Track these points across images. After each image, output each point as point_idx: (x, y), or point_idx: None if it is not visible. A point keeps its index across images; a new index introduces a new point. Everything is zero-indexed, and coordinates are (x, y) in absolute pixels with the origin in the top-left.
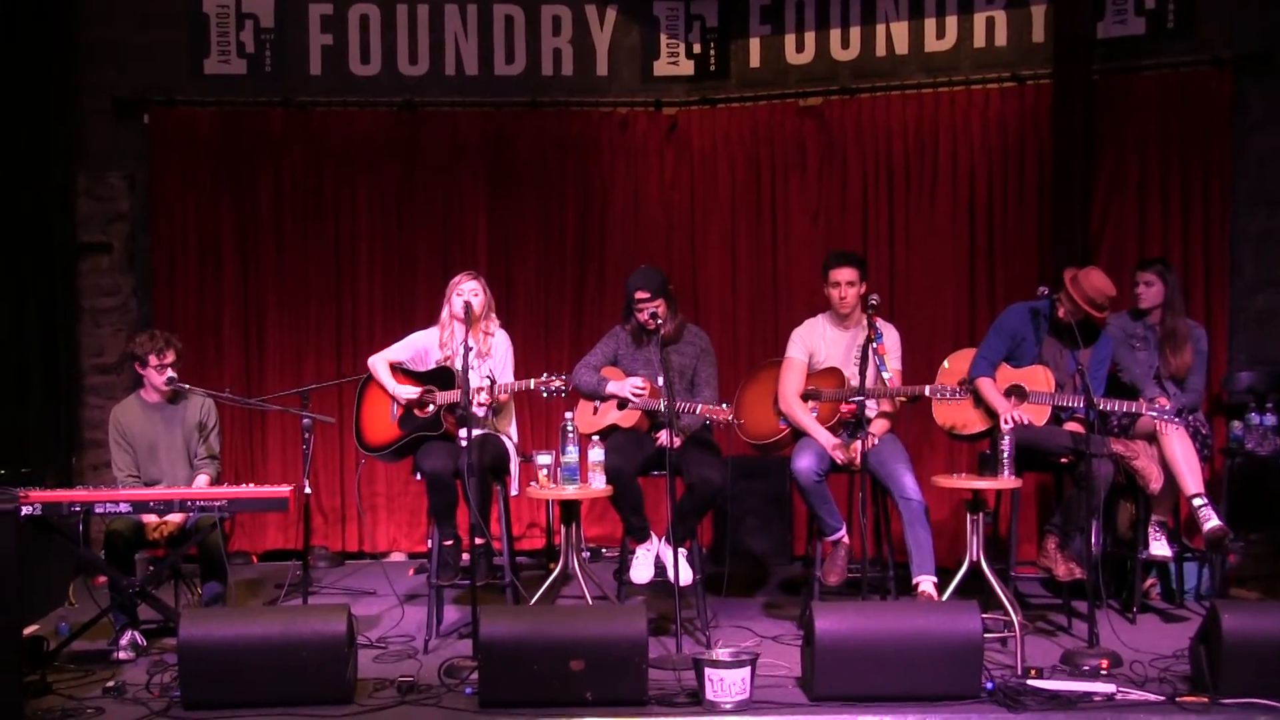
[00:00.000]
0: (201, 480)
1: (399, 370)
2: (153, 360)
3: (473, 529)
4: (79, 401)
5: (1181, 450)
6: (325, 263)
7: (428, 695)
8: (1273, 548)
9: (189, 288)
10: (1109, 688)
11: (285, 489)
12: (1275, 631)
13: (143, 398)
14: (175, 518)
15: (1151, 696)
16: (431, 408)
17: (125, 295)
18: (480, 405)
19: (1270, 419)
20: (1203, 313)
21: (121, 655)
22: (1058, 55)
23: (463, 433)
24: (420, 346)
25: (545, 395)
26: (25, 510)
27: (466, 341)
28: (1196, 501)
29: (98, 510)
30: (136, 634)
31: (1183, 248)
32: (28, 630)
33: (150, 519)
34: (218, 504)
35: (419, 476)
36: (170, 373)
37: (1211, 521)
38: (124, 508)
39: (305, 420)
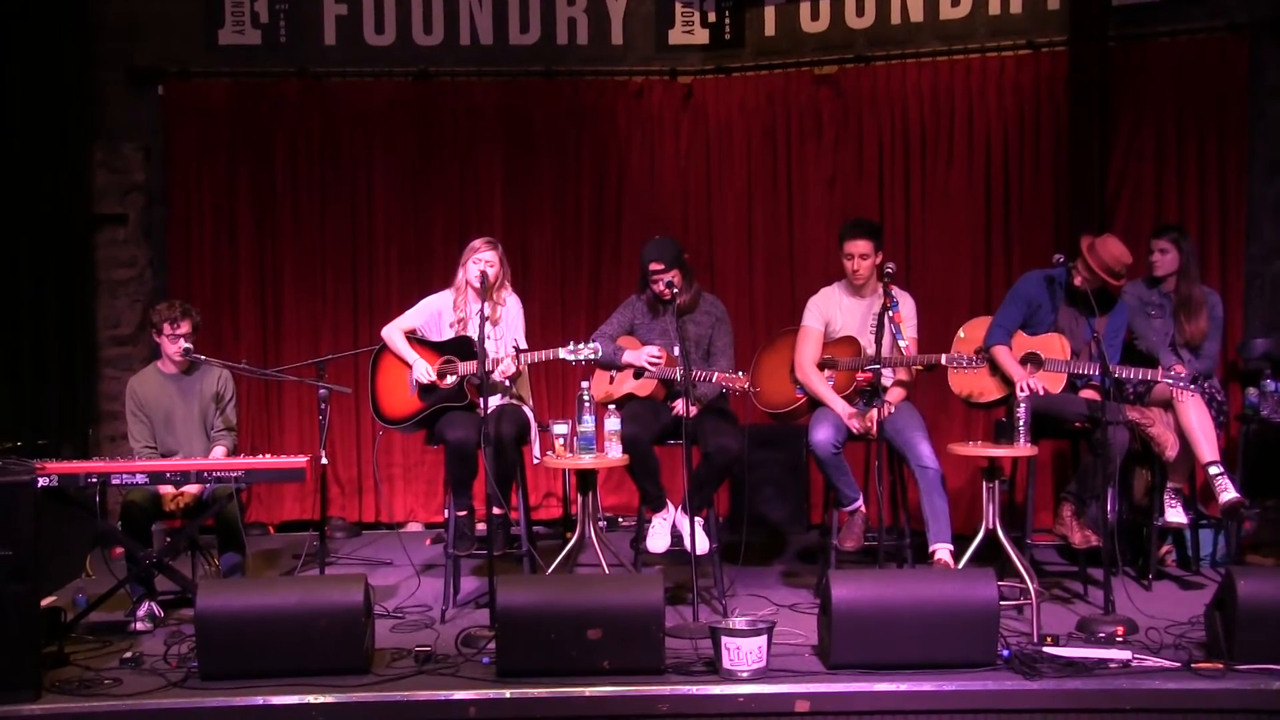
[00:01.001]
0: (218, 452)
1: (415, 340)
2: (167, 329)
3: (489, 499)
4: (95, 373)
5: (1197, 417)
6: (341, 234)
7: (445, 665)
8: None
9: (205, 259)
10: (1125, 654)
11: (302, 459)
12: None
13: (160, 369)
14: (192, 489)
15: (1167, 663)
16: (452, 378)
17: (141, 267)
18: (504, 375)
19: None
20: (1218, 279)
21: (139, 626)
22: (1073, 23)
23: (482, 402)
24: (433, 310)
25: (574, 363)
26: (42, 482)
27: (482, 311)
28: (1212, 469)
29: (114, 481)
30: (154, 605)
31: (1199, 214)
32: (45, 601)
33: (167, 490)
34: (234, 475)
35: (437, 446)
36: (185, 343)
37: (1228, 493)
38: (140, 479)
39: (321, 391)
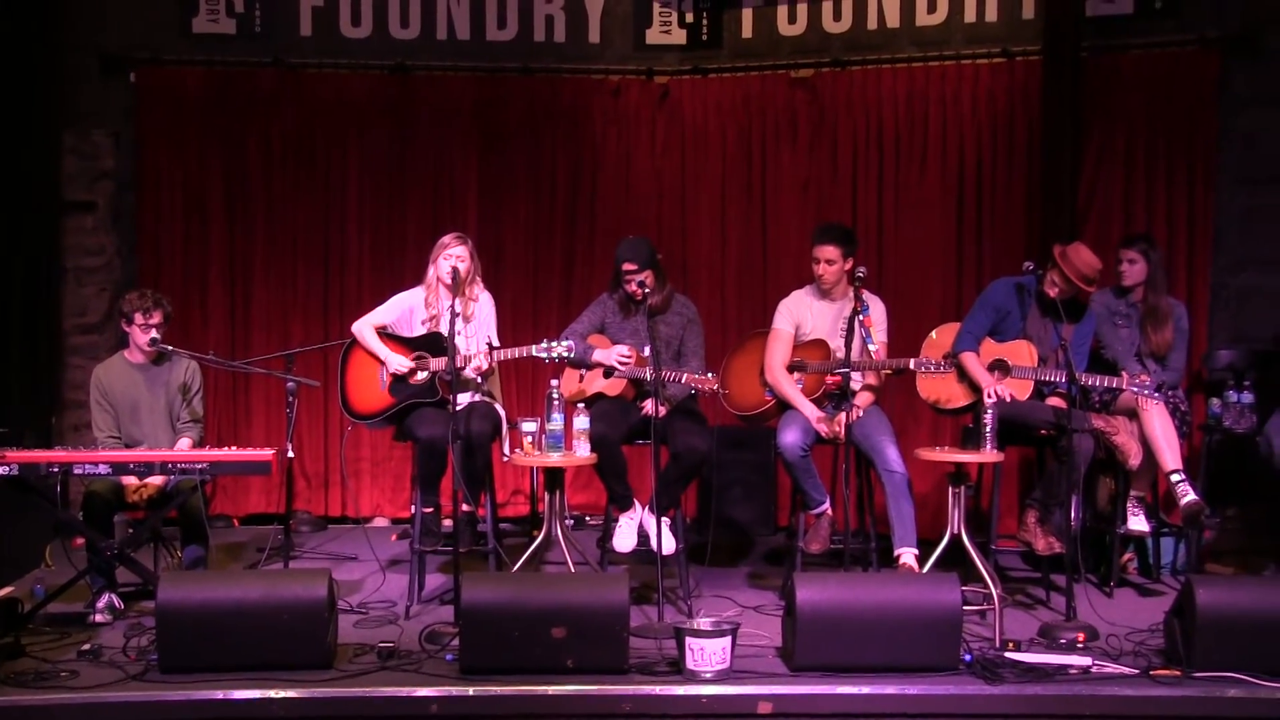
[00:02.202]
0: (184, 443)
1: (386, 336)
2: (139, 319)
3: (455, 495)
4: (60, 361)
5: (1161, 426)
6: (314, 225)
7: (408, 661)
8: (1248, 523)
9: (174, 248)
10: (1085, 661)
11: (268, 452)
12: (1248, 606)
13: (127, 358)
14: (155, 480)
15: (1126, 669)
16: (423, 374)
17: (109, 255)
18: (476, 371)
19: (1248, 397)
20: (1185, 290)
21: (98, 618)
22: (1047, 32)
23: (453, 398)
24: (405, 307)
25: (547, 360)
26: (2, 470)
27: (454, 307)
28: (1174, 477)
29: (76, 471)
30: (114, 597)
31: (1167, 225)
32: (2, 592)
33: (130, 481)
34: (199, 467)
35: (406, 443)
36: (154, 333)
37: (1189, 496)
38: (103, 469)
39: (290, 384)
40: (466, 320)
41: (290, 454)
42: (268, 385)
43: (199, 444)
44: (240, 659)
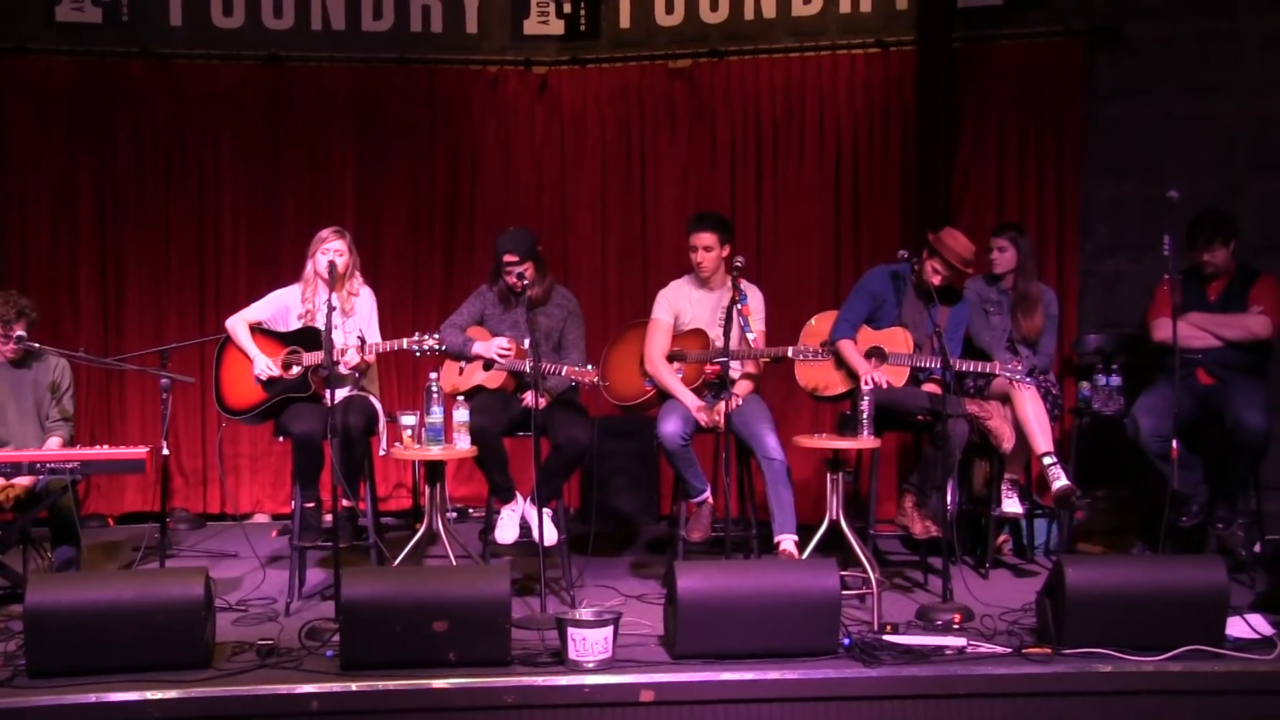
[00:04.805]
0: (53, 442)
1: (260, 331)
2: None
3: (334, 490)
4: None
5: (1033, 410)
6: (188, 218)
7: (288, 658)
8: (1117, 503)
9: (42, 242)
10: (960, 641)
11: (141, 450)
12: (1116, 584)
13: None
14: (23, 480)
15: (999, 649)
16: (297, 369)
17: None
18: (348, 365)
19: (1116, 380)
20: (1055, 276)
21: None
22: (920, 23)
23: (328, 393)
24: (281, 303)
25: (418, 354)
26: None
27: (330, 301)
28: (1046, 460)
29: None
30: None
31: (1038, 212)
32: None
33: None
34: (69, 466)
35: (283, 439)
36: (14, 344)
37: (1060, 480)
38: None
39: (163, 380)
40: (346, 315)
41: (165, 451)
42: (142, 382)
43: (69, 443)
44: (115, 661)
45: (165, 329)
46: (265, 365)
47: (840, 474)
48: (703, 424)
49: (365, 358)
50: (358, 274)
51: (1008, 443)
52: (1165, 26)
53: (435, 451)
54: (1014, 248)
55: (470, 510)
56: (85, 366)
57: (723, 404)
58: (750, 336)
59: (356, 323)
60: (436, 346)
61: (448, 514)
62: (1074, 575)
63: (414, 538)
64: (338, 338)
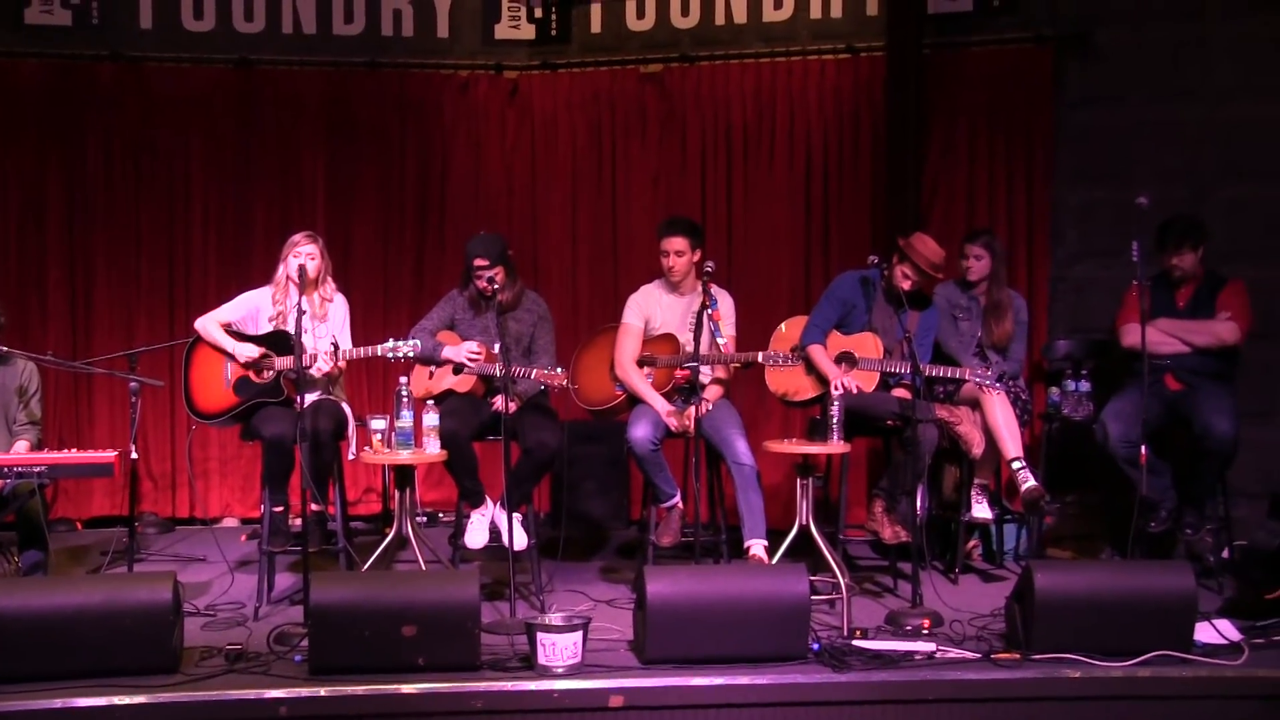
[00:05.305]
0: (21, 446)
1: (231, 333)
2: None
3: (304, 494)
4: None
5: (1003, 416)
6: (158, 221)
7: (256, 663)
8: (1086, 508)
9: (9, 245)
10: (929, 646)
11: (110, 454)
12: (1085, 589)
13: None
14: None
15: (968, 654)
16: (269, 373)
17: None
18: (320, 372)
19: (1086, 385)
20: (1025, 281)
21: None
22: (890, 28)
23: (299, 397)
24: (252, 306)
25: (393, 359)
26: None
27: (300, 305)
28: (1015, 465)
29: None
30: None
31: (1007, 218)
32: None
33: None
34: (37, 469)
35: (252, 442)
36: None
37: (1029, 483)
38: None
39: (132, 384)
40: (322, 320)
41: (134, 455)
42: (111, 385)
43: (37, 447)
44: (82, 666)
45: (134, 332)
46: (247, 351)
47: (810, 479)
48: (673, 429)
49: (338, 364)
50: (330, 279)
51: (977, 448)
52: (1134, 33)
53: (405, 456)
54: (989, 255)
55: (440, 515)
56: (54, 370)
57: (693, 409)
58: (721, 341)
59: (330, 329)
60: (411, 354)
61: (417, 518)
62: (1043, 580)
63: (383, 542)
64: (310, 342)
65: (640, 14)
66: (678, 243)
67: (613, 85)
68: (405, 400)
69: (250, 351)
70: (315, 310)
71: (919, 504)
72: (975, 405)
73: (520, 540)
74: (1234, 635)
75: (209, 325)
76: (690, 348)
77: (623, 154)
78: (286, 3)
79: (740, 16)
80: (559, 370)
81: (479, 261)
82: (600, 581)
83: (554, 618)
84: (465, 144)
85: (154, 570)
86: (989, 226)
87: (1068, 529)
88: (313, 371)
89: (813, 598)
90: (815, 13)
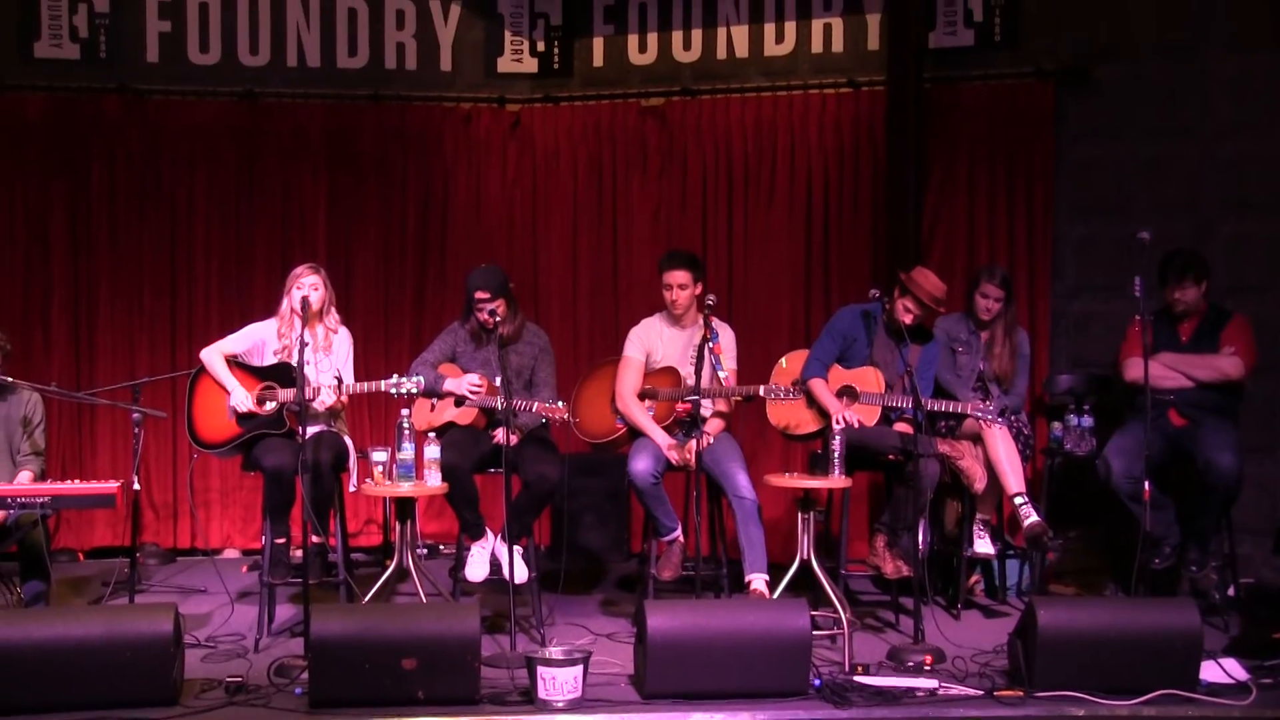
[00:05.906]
0: (24, 477)
1: (236, 365)
2: None
3: (305, 526)
4: None
5: (1005, 450)
6: (161, 253)
7: (256, 696)
8: (1090, 544)
9: (15, 276)
10: (931, 683)
11: (113, 485)
12: (1088, 626)
13: None
14: None
15: (971, 691)
16: (272, 405)
17: None
18: (324, 405)
19: (1088, 420)
20: (1026, 316)
21: None
22: (891, 62)
23: (301, 428)
24: (257, 338)
25: (396, 395)
26: None
27: (303, 336)
28: (1018, 500)
29: None
30: None
31: (1008, 252)
32: None
33: None
34: (40, 500)
35: (254, 473)
36: None
37: (1031, 518)
38: None
39: (135, 415)
40: (326, 353)
41: (136, 486)
42: (114, 415)
43: (40, 478)
44: (82, 698)
45: (137, 362)
46: (243, 398)
47: (811, 513)
48: (674, 462)
49: (340, 399)
50: (334, 311)
51: (979, 483)
52: (1133, 69)
53: (406, 488)
54: (1006, 297)
55: (441, 547)
56: (57, 401)
57: (694, 442)
58: (722, 375)
59: (334, 362)
60: (415, 390)
61: (418, 551)
62: (1046, 617)
63: (384, 574)
64: (313, 375)
65: (642, 48)
66: (680, 276)
67: (614, 118)
68: (406, 432)
69: (244, 403)
70: (319, 342)
71: (921, 539)
72: (977, 440)
73: (521, 573)
74: (1240, 675)
75: (213, 357)
76: (691, 381)
77: (624, 187)
78: (291, 36)
79: (741, 50)
80: (560, 403)
81: (480, 294)
82: (600, 615)
83: (554, 651)
84: (467, 176)
85: (155, 601)
86: (991, 262)
87: (1071, 565)
88: (316, 404)
89: (814, 633)
90: (816, 47)
